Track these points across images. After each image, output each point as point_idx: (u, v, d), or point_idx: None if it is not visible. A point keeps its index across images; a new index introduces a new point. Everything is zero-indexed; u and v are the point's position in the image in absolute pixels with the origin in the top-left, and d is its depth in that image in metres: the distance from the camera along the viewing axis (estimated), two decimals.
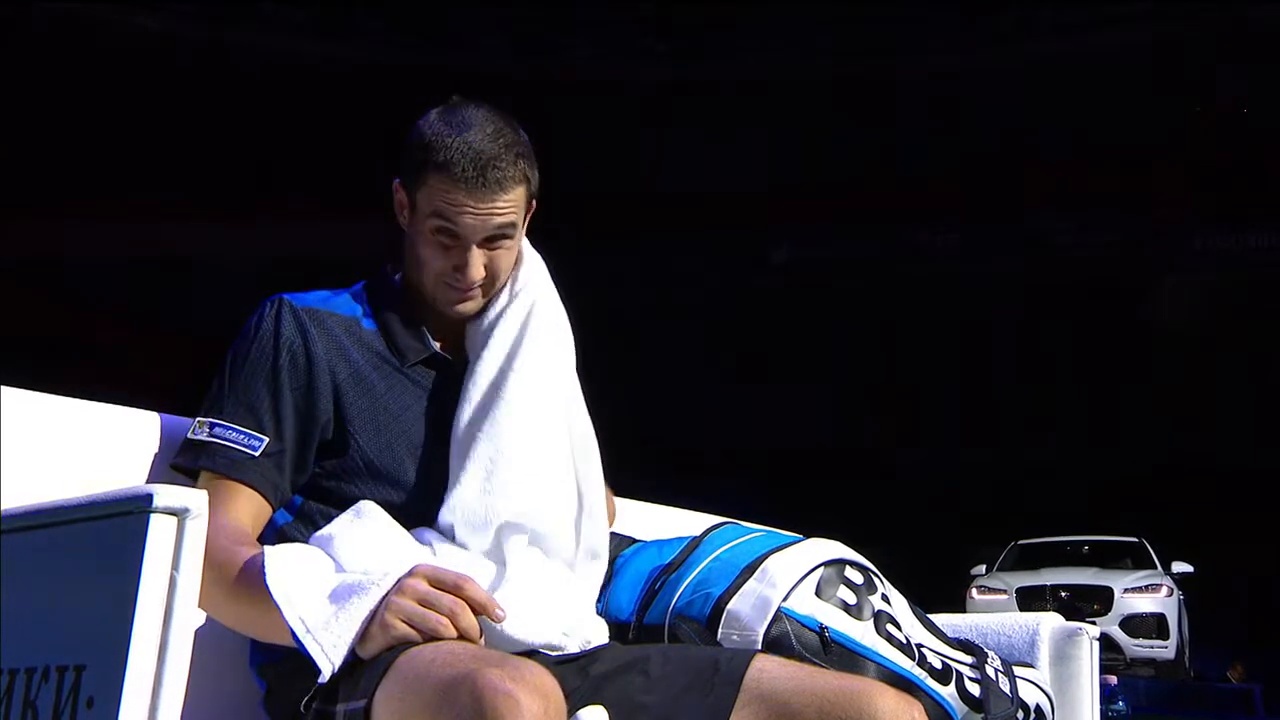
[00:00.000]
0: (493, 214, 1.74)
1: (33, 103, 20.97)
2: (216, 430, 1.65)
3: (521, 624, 1.60)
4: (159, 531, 1.21)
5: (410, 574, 1.51)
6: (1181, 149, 21.79)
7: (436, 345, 1.81)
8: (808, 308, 22.61)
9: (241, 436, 1.64)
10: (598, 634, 1.72)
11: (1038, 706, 1.91)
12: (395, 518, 1.66)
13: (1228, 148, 21.40)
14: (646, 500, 2.36)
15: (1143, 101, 21.98)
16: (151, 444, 1.77)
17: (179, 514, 1.23)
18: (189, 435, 1.68)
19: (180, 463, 1.68)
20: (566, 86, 22.18)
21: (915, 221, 23.30)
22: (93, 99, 21.23)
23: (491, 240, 1.76)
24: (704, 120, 23.28)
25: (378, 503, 1.66)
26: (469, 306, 1.80)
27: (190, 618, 1.23)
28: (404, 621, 1.46)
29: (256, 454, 1.64)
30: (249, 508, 1.65)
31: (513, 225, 1.77)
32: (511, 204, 1.76)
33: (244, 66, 22.13)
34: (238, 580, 1.54)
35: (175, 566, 1.22)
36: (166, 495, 1.23)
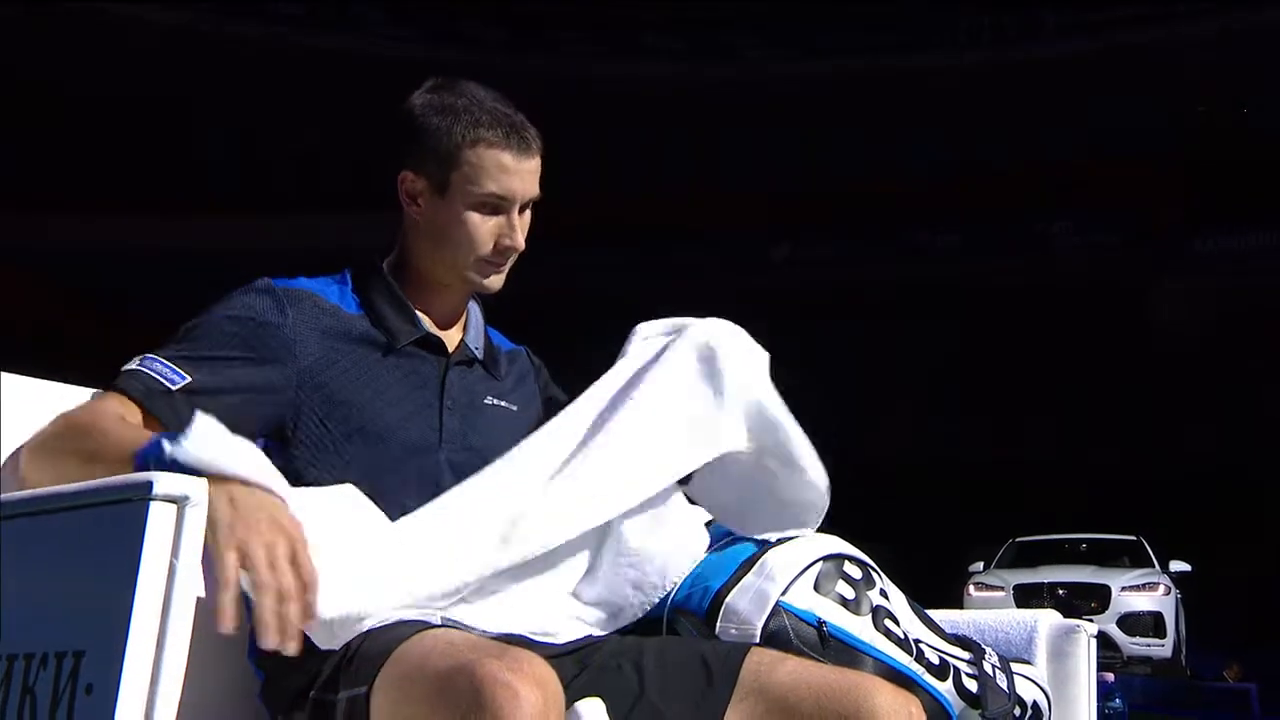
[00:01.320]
0: (533, 175, 1.77)
1: (32, 100, 20.97)
2: (145, 361, 1.63)
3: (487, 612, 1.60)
4: (158, 519, 1.22)
5: (296, 534, 1.39)
6: (1181, 149, 21.80)
7: (428, 326, 1.81)
8: (808, 308, 22.60)
9: (166, 369, 1.61)
10: (570, 627, 1.67)
11: (1035, 703, 1.90)
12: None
13: (1228, 148, 21.40)
14: None
15: (1143, 101, 21.98)
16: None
17: (179, 501, 1.24)
18: (122, 367, 1.65)
19: (101, 389, 1.65)
20: (566, 85, 22.17)
21: (915, 221, 23.29)
22: (91, 96, 21.22)
23: (525, 207, 1.78)
24: (706, 120, 23.28)
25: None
26: (499, 280, 1.81)
27: (190, 606, 1.23)
28: (240, 549, 1.33)
29: (174, 389, 1.60)
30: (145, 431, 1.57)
31: (538, 192, 1.79)
32: (539, 168, 1.78)
33: (244, 63, 22.11)
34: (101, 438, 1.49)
35: (174, 554, 1.22)
36: (166, 483, 1.23)
